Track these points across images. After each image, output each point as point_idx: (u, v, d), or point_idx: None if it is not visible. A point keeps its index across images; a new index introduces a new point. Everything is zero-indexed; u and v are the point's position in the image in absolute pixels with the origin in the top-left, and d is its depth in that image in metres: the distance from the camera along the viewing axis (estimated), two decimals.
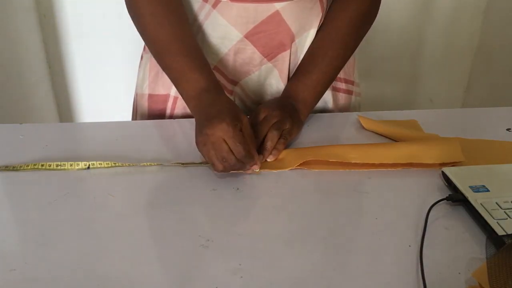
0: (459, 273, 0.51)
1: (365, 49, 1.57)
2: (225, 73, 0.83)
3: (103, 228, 0.58)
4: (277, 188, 0.65)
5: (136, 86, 0.92)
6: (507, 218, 0.56)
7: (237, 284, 0.50)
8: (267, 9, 0.77)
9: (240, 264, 0.52)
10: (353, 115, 0.82)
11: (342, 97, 0.90)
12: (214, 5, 0.77)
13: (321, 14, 0.82)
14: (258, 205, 0.62)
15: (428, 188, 0.65)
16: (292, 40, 0.81)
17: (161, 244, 0.55)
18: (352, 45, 0.82)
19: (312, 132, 0.78)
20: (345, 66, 0.85)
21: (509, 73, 1.56)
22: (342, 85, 0.89)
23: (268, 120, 0.72)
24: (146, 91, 0.88)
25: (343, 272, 0.51)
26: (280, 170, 0.68)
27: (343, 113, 0.86)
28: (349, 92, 0.91)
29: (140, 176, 0.67)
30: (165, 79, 0.81)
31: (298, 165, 0.68)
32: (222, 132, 0.63)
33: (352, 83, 0.91)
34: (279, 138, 0.70)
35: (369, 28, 0.83)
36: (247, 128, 0.66)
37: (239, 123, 0.64)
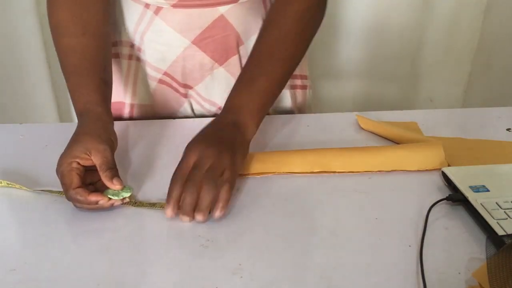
0: (459, 273, 0.51)
1: (365, 49, 1.57)
2: (176, 79, 0.82)
3: (103, 228, 0.58)
4: (277, 188, 0.65)
5: None
6: (507, 218, 0.56)
7: (237, 284, 0.50)
8: (211, 14, 0.76)
9: (240, 264, 0.52)
10: (352, 115, 0.82)
11: (299, 94, 0.89)
12: (157, 12, 0.76)
13: (265, 14, 0.81)
14: (258, 205, 0.62)
15: (428, 188, 0.65)
16: (240, 43, 0.80)
17: (161, 244, 0.55)
18: (302, 45, 0.72)
19: (311, 132, 0.78)
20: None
21: (509, 73, 1.56)
22: (298, 82, 0.88)
23: (199, 167, 0.59)
24: None
25: (343, 272, 0.51)
26: (265, 176, 0.67)
27: (343, 113, 0.86)
28: (304, 87, 0.90)
29: (140, 176, 0.67)
30: (115, 86, 0.79)
31: (283, 172, 0.67)
32: (59, 166, 0.59)
33: (306, 77, 0.90)
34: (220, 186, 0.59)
35: (319, 25, 0.73)
36: (103, 164, 0.60)
37: (82, 160, 0.60)
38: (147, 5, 0.76)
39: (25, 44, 1.40)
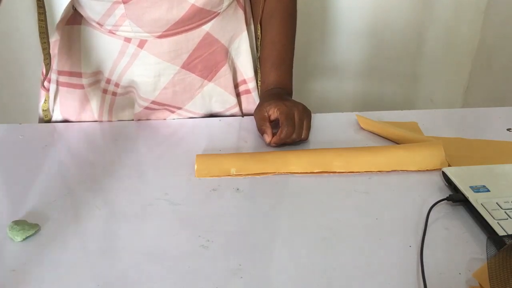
0: (460, 273, 0.51)
1: (365, 49, 1.57)
2: (165, 103, 0.81)
3: (103, 228, 0.58)
4: (277, 188, 0.65)
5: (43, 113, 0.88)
6: (507, 218, 0.56)
7: (237, 284, 0.50)
8: (197, 35, 0.75)
9: (240, 264, 0.52)
10: (352, 115, 0.82)
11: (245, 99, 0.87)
12: (141, 45, 0.74)
13: (243, 15, 0.81)
14: (258, 205, 0.62)
15: (429, 188, 0.65)
16: (227, 52, 0.80)
17: (161, 244, 0.55)
18: (295, 17, 0.85)
19: (311, 132, 0.78)
20: (242, 67, 0.85)
21: (509, 73, 1.56)
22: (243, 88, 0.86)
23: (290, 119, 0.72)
24: (60, 118, 0.85)
25: (343, 272, 0.51)
26: (265, 176, 0.67)
27: (343, 113, 0.86)
28: (248, 92, 0.87)
29: (140, 176, 0.67)
30: (87, 111, 0.80)
31: (283, 172, 0.67)
32: None
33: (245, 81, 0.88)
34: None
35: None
36: None
37: None
38: (127, 39, 0.74)
39: (25, 44, 1.40)
